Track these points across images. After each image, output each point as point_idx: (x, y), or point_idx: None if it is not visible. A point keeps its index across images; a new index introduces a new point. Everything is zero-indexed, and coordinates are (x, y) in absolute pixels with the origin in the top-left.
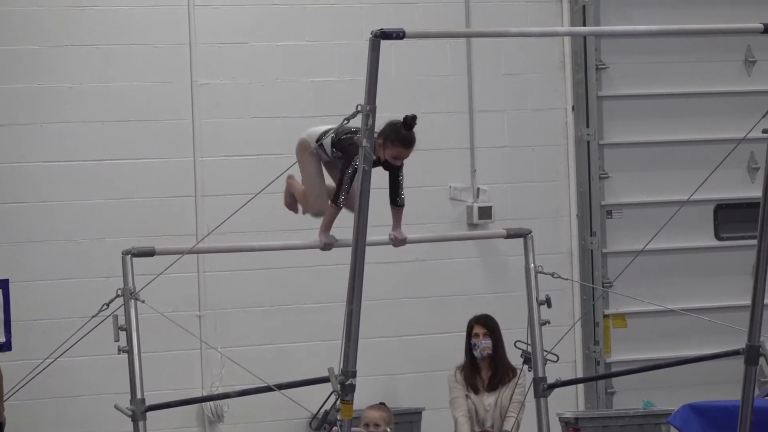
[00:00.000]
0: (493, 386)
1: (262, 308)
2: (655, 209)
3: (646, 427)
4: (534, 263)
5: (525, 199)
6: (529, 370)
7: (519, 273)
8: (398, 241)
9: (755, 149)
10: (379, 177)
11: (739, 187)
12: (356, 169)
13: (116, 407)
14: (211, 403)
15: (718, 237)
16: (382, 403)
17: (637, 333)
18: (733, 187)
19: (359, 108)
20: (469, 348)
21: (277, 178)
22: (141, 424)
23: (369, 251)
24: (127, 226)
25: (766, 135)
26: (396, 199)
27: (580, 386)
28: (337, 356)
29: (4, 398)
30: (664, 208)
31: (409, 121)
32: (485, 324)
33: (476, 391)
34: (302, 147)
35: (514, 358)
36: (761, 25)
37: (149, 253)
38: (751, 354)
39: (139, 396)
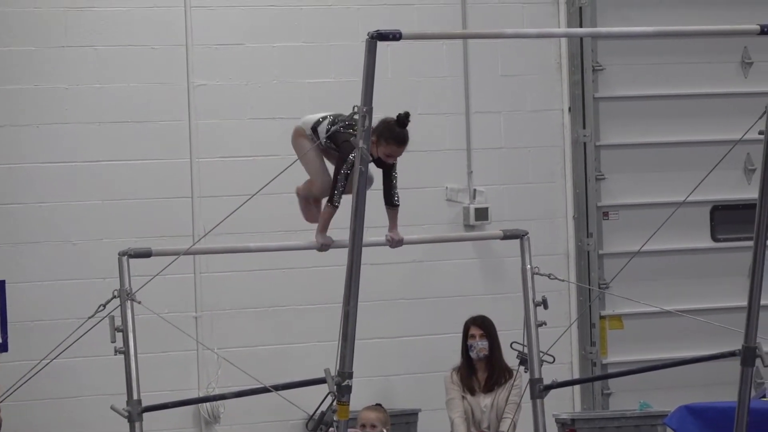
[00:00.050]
0: (489, 387)
1: (258, 309)
2: (652, 210)
3: (643, 428)
4: (530, 264)
5: (521, 200)
6: (526, 372)
7: (515, 274)
8: (395, 242)
9: (752, 150)
10: (377, 178)
11: (736, 188)
12: (351, 167)
13: (113, 408)
14: (208, 404)
15: (714, 238)
16: (378, 404)
17: (634, 334)
18: (729, 189)
19: (356, 109)
20: (466, 349)
21: (274, 179)
22: (137, 425)
23: (365, 252)
24: (124, 227)
25: (762, 136)
26: (390, 200)
27: (577, 387)
28: (334, 357)
29: (1, 399)
30: (661, 210)
31: (403, 119)
32: (482, 325)
33: (473, 393)
34: (298, 134)
35: (511, 359)
36: (758, 27)
37: (146, 254)
38: (747, 355)
39: (135, 397)
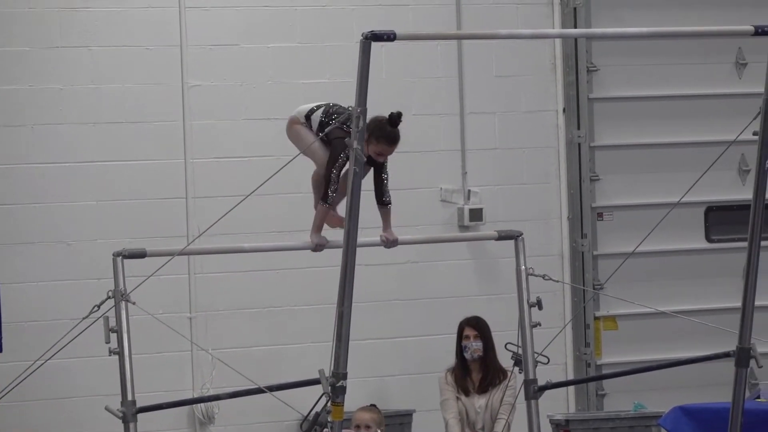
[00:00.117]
0: (483, 388)
1: (252, 310)
2: (646, 211)
3: (637, 429)
4: (525, 265)
5: (516, 201)
6: (520, 372)
7: (510, 275)
8: (389, 243)
9: (746, 151)
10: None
11: (730, 189)
12: (342, 165)
13: (107, 409)
14: (202, 404)
15: (708, 239)
16: (372, 405)
17: (628, 335)
18: (723, 190)
19: (350, 109)
20: (460, 350)
21: (268, 179)
22: (132, 425)
23: (360, 252)
24: (119, 227)
25: (756, 137)
26: (382, 198)
27: (571, 388)
28: (328, 358)
29: None
30: (655, 210)
31: (395, 118)
32: (476, 326)
33: (467, 393)
34: (292, 122)
35: (505, 360)
36: (752, 28)
37: (140, 254)
38: (741, 356)
39: (129, 398)
